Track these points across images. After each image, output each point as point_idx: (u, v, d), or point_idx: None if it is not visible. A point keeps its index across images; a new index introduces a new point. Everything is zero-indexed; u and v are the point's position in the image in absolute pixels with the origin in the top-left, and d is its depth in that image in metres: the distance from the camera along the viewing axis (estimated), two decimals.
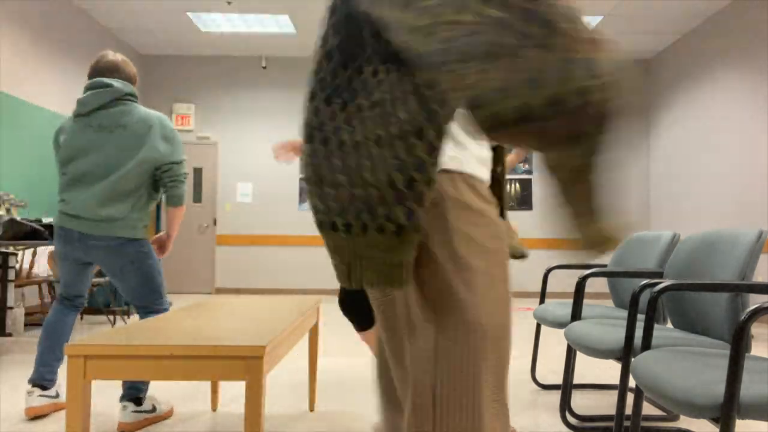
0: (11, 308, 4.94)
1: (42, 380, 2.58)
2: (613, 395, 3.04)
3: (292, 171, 8.71)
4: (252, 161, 8.72)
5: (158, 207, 6.45)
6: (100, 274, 5.38)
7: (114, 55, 2.69)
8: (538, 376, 3.44)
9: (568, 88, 0.81)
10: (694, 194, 7.37)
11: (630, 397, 2.80)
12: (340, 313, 6.37)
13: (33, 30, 6.07)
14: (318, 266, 8.61)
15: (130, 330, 1.71)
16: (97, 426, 2.46)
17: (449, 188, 1.02)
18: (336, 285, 8.59)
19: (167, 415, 2.59)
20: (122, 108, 2.57)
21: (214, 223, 8.66)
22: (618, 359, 2.03)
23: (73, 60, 6.82)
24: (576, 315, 2.49)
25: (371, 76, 0.92)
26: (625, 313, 2.75)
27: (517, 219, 8.64)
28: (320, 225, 0.97)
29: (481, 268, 1.00)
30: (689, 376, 1.45)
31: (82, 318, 5.94)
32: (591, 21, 7.27)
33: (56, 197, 6.27)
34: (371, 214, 0.92)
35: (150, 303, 2.60)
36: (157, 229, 6.40)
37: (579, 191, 0.92)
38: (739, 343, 1.31)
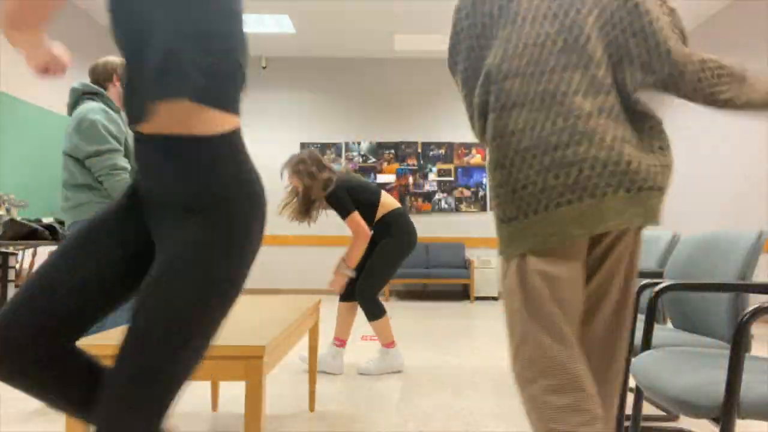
0: None
1: None
2: None
3: None
4: (252, 161, 8.71)
5: None
6: None
7: (99, 60, 2.89)
8: None
9: None
10: (693, 194, 7.37)
11: (630, 397, 2.80)
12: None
13: None
14: (318, 266, 8.60)
15: None
16: None
17: None
18: None
19: None
20: (79, 106, 2.75)
21: None
22: None
23: (73, 60, 6.82)
24: None
25: None
26: None
27: None
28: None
29: None
30: (689, 376, 1.45)
31: None
32: None
33: (57, 198, 6.28)
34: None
35: None
36: None
37: None
38: (739, 343, 1.31)
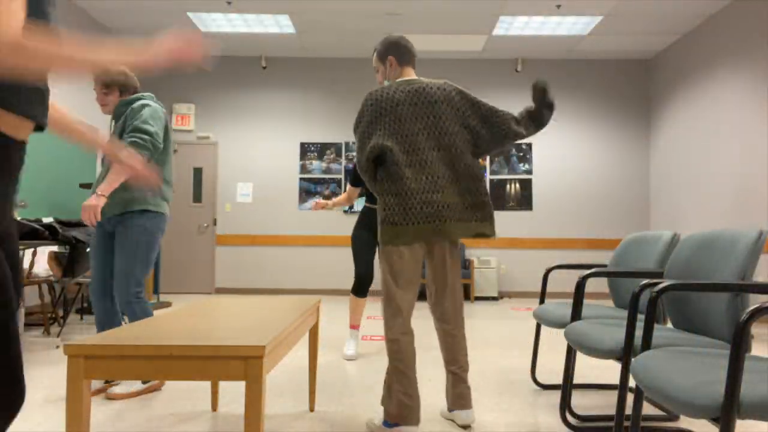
0: None
1: None
2: (613, 395, 3.04)
3: (292, 171, 8.72)
4: (252, 161, 8.72)
5: None
6: None
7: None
8: (538, 376, 3.44)
9: None
10: (694, 194, 7.37)
11: (630, 397, 2.80)
12: (340, 312, 6.37)
13: None
14: (318, 266, 8.61)
15: (130, 330, 1.71)
16: (96, 426, 2.46)
17: None
18: (335, 285, 8.60)
19: None
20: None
21: (214, 223, 8.66)
22: (618, 359, 2.03)
23: None
24: (576, 315, 2.49)
25: None
26: (625, 313, 2.75)
27: (517, 219, 8.65)
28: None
29: None
30: (689, 376, 1.45)
31: (82, 318, 5.95)
32: (591, 21, 7.27)
33: (57, 198, 6.28)
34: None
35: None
36: None
37: None
38: (739, 343, 1.31)
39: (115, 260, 2.97)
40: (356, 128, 2.46)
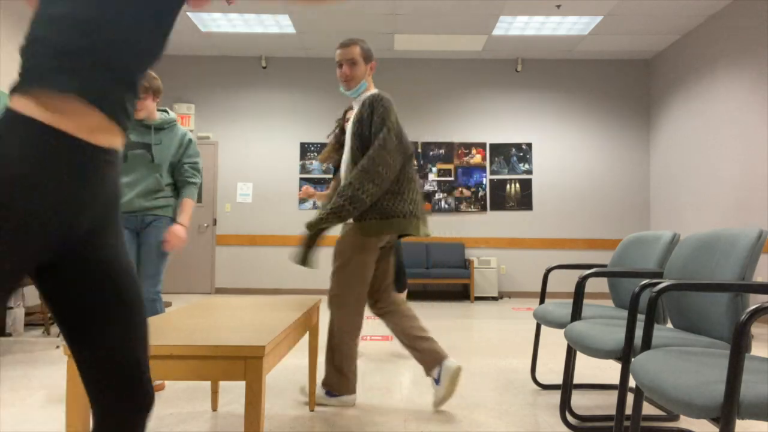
0: (11, 308, 4.94)
1: None
2: (613, 395, 3.04)
3: (292, 171, 8.72)
4: (252, 161, 8.72)
5: None
6: None
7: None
8: (538, 376, 3.44)
9: None
10: (694, 194, 7.37)
11: (630, 397, 2.80)
12: None
13: None
14: (318, 266, 8.60)
15: None
16: None
17: None
18: None
19: None
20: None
21: (214, 223, 8.66)
22: (618, 359, 2.03)
23: None
24: (576, 315, 2.49)
25: None
26: (625, 313, 2.75)
27: (517, 219, 8.65)
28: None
29: None
30: (689, 376, 1.45)
31: None
32: (591, 21, 7.27)
33: None
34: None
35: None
36: None
37: None
38: (739, 343, 1.31)
39: (145, 260, 3.11)
40: (387, 118, 2.64)
